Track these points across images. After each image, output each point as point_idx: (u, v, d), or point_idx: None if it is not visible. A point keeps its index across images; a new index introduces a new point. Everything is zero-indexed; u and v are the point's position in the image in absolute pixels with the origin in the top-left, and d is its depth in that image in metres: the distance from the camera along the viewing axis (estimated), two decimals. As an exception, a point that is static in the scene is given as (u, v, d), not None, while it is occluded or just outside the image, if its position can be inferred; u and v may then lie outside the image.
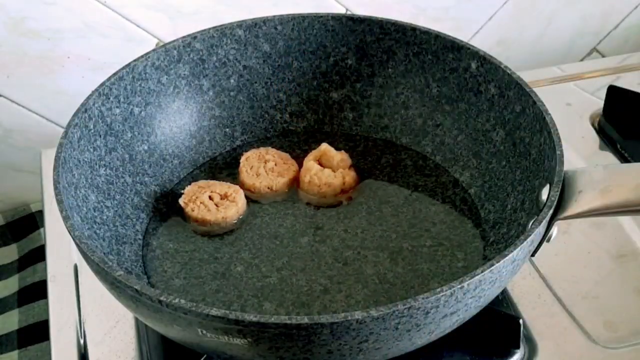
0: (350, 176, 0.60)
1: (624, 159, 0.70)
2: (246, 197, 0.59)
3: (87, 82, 0.75)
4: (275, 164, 0.61)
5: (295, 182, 0.61)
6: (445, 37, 0.59)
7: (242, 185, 0.60)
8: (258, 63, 0.64)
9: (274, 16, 0.62)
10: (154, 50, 0.59)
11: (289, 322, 0.37)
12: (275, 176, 0.60)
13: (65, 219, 0.45)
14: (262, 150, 0.62)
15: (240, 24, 0.62)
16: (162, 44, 0.69)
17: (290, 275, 0.53)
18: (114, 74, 0.56)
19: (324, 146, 0.61)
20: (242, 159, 0.61)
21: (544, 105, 0.51)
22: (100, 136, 0.55)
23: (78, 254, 0.57)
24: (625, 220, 0.63)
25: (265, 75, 0.64)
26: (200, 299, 0.51)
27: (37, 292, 0.68)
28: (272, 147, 0.63)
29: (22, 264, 0.73)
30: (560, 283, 0.58)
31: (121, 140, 0.57)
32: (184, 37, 0.60)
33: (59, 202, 0.46)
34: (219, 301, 0.51)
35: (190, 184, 0.59)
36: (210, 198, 0.58)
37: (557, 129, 0.49)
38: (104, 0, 0.72)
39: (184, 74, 0.61)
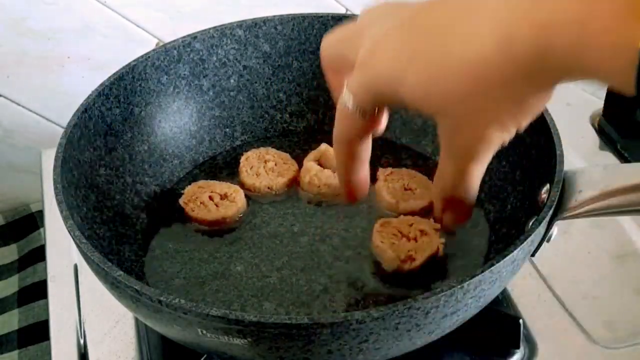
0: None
1: (624, 159, 0.70)
2: (246, 197, 0.59)
3: (87, 82, 0.75)
4: (275, 164, 0.61)
5: (295, 182, 0.61)
6: (445, 37, 0.59)
7: (242, 185, 0.60)
8: (258, 63, 0.64)
9: (274, 16, 0.62)
10: (154, 50, 0.59)
11: (289, 322, 0.37)
12: (275, 176, 0.60)
13: (65, 219, 0.45)
14: (262, 150, 0.62)
15: (240, 24, 0.62)
16: (162, 44, 0.69)
17: (290, 274, 0.53)
18: (114, 74, 0.56)
19: (324, 146, 0.61)
20: (242, 159, 0.61)
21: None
22: (100, 136, 0.55)
23: (78, 254, 0.57)
24: (625, 220, 0.63)
25: (265, 75, 0.64)
26: (200, 299, 0.51)
27: (37, 292, 0.68)
28: (272, 147, 0.63)
29: (22, 264, 0.73)
30: (560, 283, 0.58)
31: (121, 140, 0.57)
32: (184, 37, 0.60)
33: (59, 202, 0.46)
34: (219, 301, 0.51)
35: (190, 184, 0.59)
36: (210, 198, 0.58)
37: (557, 129, 0.49)
38: (104, 0, 0.72)
39: (184, 74, 0.61)
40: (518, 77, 0.34)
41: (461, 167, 0.40)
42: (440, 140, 0.40)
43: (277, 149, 0.63)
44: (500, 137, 0.38)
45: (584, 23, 0.30)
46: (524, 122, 0.37)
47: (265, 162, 0.61)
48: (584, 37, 0.30)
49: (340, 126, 0.43)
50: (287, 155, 0.62)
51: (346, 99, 0.41)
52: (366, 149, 0.45)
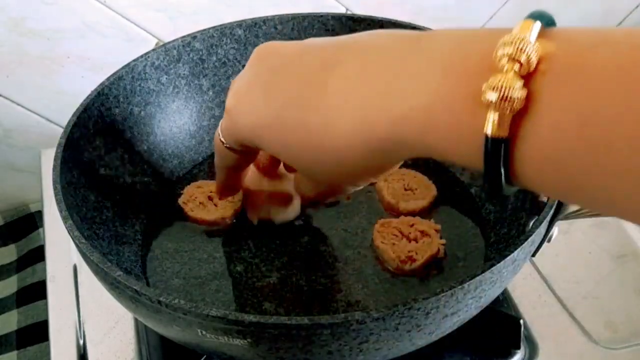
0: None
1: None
2: (246, 197, 0.59)
3: (87, 82, 0.75)
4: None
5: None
6: (446, 37, 0.59)
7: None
8: (258, 63, 0.63)
9: (274, 16, 0.62)
10: (153, 50, 0.59)
11: (288, 322, 0.37)
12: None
13: (65, 219, 0.44)
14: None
15: (240, 24, 0.62)
16: (161, 43, 0.69)
17: (290, 274, 0.53)
18: (114, 73, 0.56)
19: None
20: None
21: (545, 105, 0.51)
22: (99, 136, 0.55)
23: (77, 254, 0.57)
24: (626, 221, 0.63)
25: (265, 75, 0.64)
26: (199, 299, 0.51)
27: (36, 292, 0.68)
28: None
29: (21, 264, 0.73)
30: (561, 283, 0.58)
31: (121, 140, 0.57)
32: (183, 36, 0.60)
33: (59, 202, 0.45)
34: (219, 301, 0.51)
35: (189, 184, 0.59)
36: (209, 198, 0.58)
37: (557, 129, 0.49)
38: (103, 0, 0.72)
39: (184, 74, 0.61)
40: (375, 157, 0.35)
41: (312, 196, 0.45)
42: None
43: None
44: (352, 188, 0.42)
45: (429, 111, 0.30)
46: (374, 179, 0.40)
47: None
48: (430, 126, 0.30)
49: (216, 156, 0.46)
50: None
51: (219, 135, 0.43)
52: (244, 176, 0.51)
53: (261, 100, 0.38)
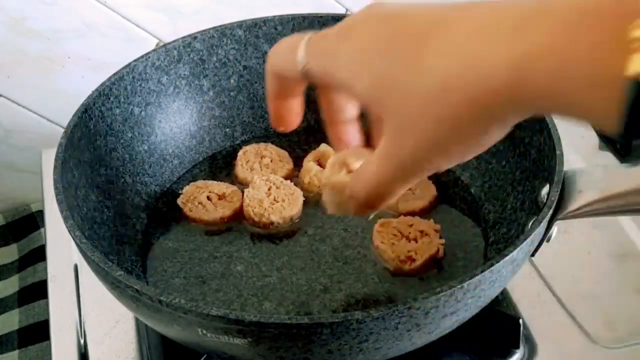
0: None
1: (623, 159, 0.70)
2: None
3: (87, 82, 0.75)
4: (271, 161, 0.61)
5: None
6: (445, 37, 0.59)
7: (236, 177, 0.60)
8: (258, 63, 0.64)
9: (274, 16, 0.62)
10: (154, 50, 0.59)
11: (289, 321, 0.37)
12: (269, 173, 0.60)
13: (66, 219, 0.45)
14: (262, 145, 0.63)
15: (240, 24, 0.62)
16: (162, 44, 0.69)
17: (290, 274, 0.53)
18: (114, 74, 0.56)
19: (324, 146, 0.61)
20: (240, 152, 0.62)
21: (544, 105, 0.51)
22: (100, 136, 0.55)
23: (78, 254, 0.57)
24: (625, 221, 0.63)
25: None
26: (200, 299, 0.51)
27: (37, 292, 0.68)
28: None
29: (22, 264, 0.73)
30: (560, 283, 0.58)
31: (121, 140, 0.57)
32: (184, 37, 0.60)
33: (59, 202, 0.46)
34: (219, 300, 0.51)
35: (189, 184, 0.59)
36: (209, 198, 0.58)
37: (556, 129, 0.49)
38: (104, 0, 0.72)
39: (184, 74, 0.61)
40: (481, 120, 0.31)
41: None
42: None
43: (277, 148, 0.63)
44: (429, 171, 0.35)
45: (564, 53, 0.27)
46: (461, 159, 0.35)
47: (262, 157, 0.61)
48: (563, 69, 0.27)
49: (281, 64, 0.42)
50: (285, 153, 0.62)
51: (300, 55, 0.39)
52: (299, 93, 0.44)
53: (373, 34, 0.34)
